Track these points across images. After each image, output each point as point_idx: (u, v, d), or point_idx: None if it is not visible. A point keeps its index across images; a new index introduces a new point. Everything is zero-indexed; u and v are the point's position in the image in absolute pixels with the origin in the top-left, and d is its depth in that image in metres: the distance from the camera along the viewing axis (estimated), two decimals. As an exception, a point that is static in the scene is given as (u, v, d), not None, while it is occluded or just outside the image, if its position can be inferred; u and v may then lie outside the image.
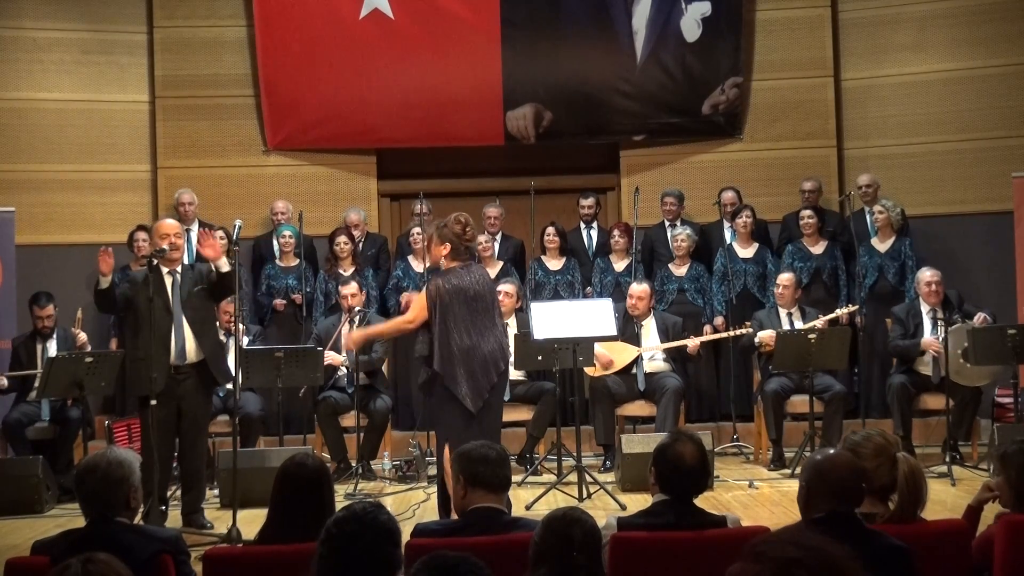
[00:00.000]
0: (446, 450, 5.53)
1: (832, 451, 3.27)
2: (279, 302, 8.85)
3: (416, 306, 5.70)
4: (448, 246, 5.66)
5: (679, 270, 8.89)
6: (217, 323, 6.43)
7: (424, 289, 5.78)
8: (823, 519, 3.05)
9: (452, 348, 5.53)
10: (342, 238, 8.84)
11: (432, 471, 7.43)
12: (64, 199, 9.57)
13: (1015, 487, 3.50)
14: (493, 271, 8.54)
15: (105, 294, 6.02)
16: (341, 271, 8.73)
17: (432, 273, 5.96)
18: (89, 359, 6.86)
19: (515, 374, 7.76)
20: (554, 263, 8.97)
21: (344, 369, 7.89)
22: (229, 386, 6.71)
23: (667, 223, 9.28)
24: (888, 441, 3.33)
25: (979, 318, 7.66)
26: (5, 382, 7.62)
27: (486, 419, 5.56)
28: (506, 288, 7.96)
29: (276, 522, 3.43)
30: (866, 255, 8.73)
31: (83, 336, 7.76)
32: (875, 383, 8.71)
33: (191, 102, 9.81)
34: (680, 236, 8.84)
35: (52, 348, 7.69)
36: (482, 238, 8.71)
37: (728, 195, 9.28)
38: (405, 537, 3.36)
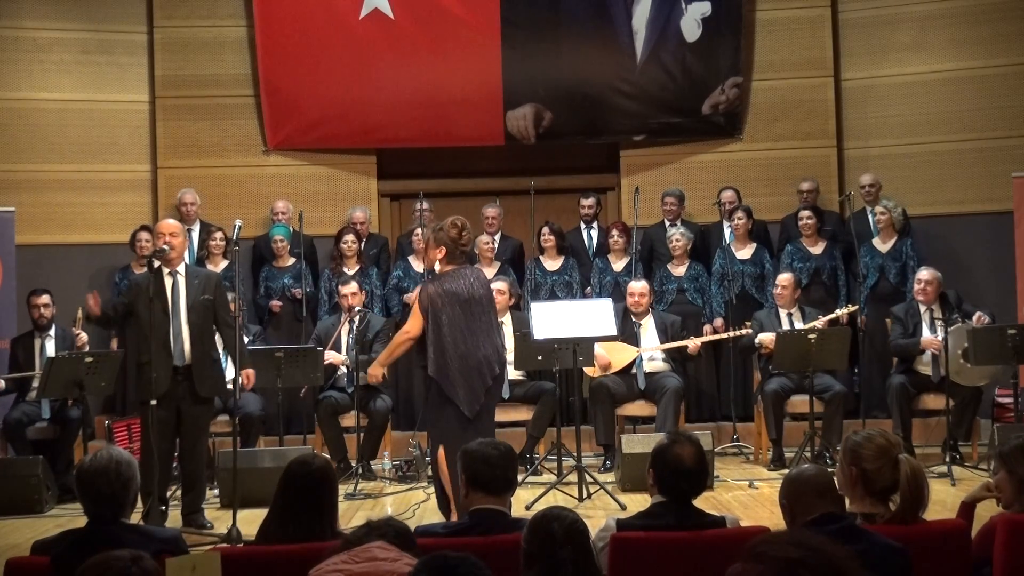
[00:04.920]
0: (441, 453, 5.55)
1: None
2: (275, 303, 8.85)
3: (412, 317, 5.73)
4: (443, 250, 5.68)
5: (678, 270, 8.89)
6: (215, 335, 6.41)
7: (417, 297, 5.79)
8: (817, 520, 3.06)
9: (447, 354, 5.54)
10: (350, 237, 8.86)
11: (431, 471, 7.43)
12: (64, 199, 9.57)
13: (1018, 482, 3.49)
14: (491, 271, 8.55)
15: (99, 321, 6.30)
16: (345, 270, 8.73)
17: (427, 277, 5.96)
18: (89, 359, 6.86)
19: (515, 374, 7.78)
20: (552, 263, 8.97)
21: (344, 369, 7.90)
22: (229, 386, 6.72)
23: (667, 223, 9.28)
24: (890, 442, 3.33)
25: (977, 318, 7.66)
26: (2, 384, 7.61)
27: (482, 423, 5.56)
28: (498, 286, 7.96)
29: (278, 519, 3.43)
30: (868, 255, 8.73)
31: (83, 336, 7.75)
32: (875, 383, 8.71)
33: (191, 102, 9.81)
34: (675, 236, 8.84)
35: (50, 346, 7.69)
36: (483, 238, 8.72)
37: (727, 194, 9.28)
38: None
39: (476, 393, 5.56)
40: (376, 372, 6.12)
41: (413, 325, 5.68)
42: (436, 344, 5.56)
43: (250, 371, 6.46)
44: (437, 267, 5.75)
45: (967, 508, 3.67)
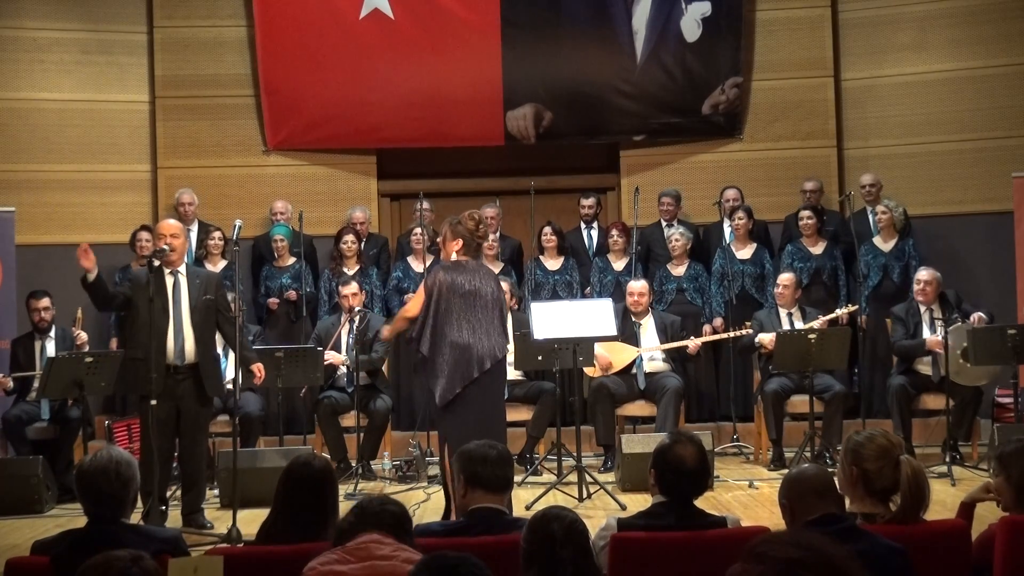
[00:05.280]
0: (446, 449, 5.57)
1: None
2: (272, 301, 8.86)
3: (416, 297, 5.83)
4: (460, 241, 5.77)
5: (677, 270, 8.89)
6: (216, 335, 6.42)
7: (423, 281, 5.84)
8: (817, 520, 3.06)
9: (438, 339, 5.60)
10: (349, 237, 8.85)
11: (432, 471, 7.44)
12: (64, 199, 9.57)
13: (1016, 486, 3.49)
14: (494, 271, 8.54)
15: (94, 286, 5.97)
16: (345, 270, 8.73)
17: (435, 266, 6.01)
18: (89, 359, 6.86)
19: (515, 374, 7.77)
20: (552, 263, 8.97)
21: (344, 369, 7.89)
22: (229, 386, 6.72)
23: (664, 223, 9.29)
24: (891, 443, 3.33)
25: (975, 318, 7.66)
26: (11, 383, 7.60)
27: (456, 413, 5.56)
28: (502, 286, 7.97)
29: (278, 519, 3.44)
30: (870, 255, 8.73)
31: (83, 336, 7.75)
32: (876, 383, 8.71)
33: (191, 102, 9.80)
34: (674, 236, 8.85)
35: (50, 347, 7.68)
36: (490, 238, 8.72)
37: (730, 192, 9.29)
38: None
39: (452, 384, 5.58)
40: (388, 334, 6.76)
41: (415, 305, 5.78)
42: (432, 327, 5.63)
43: (259, 364, 6.45)
44: (454, 258, 5.81)
45: (966, 509, 3.67)
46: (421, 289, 5.81)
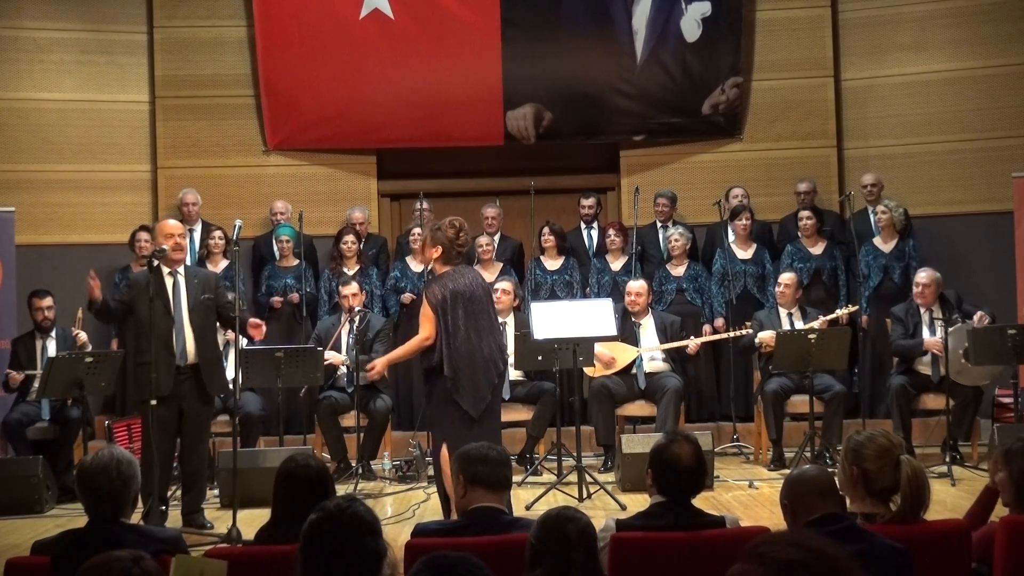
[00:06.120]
0: (443, 451, 5.53)
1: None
2: (276, 299, 8.85)
3: (426, 320, 5.63)
4: (439, 249, 5.65)
5: (677, 270, 8.89)
6: (217, 332, 6.41)
7: (424, 300, 5.72)
8: (818, 520, 3.05)
9: (454, 353, 5.53)
10: (350, 237, 8.85)
11: (431, 471, 7.43)
12: (64, 199, 9.57)
13: (1017, 483, 3.50)
14: (493, 272, 8.55)
15: (100, 310, 6.10)
16: (345, 270, 8.73)
17: (428, 279, 5.92)
18: (89, 359, 6.86)
19: (515, 374, 7.78)
20: (552, 263, 8.97)
21: (344, 369, 7.89)
22: (229, 387, 6.72)
23: (659, 224, 9.29)
24: (892, 443, 3.33)
25: (978, 317, 7.66)
26: (23, 376, 7.58)
27: (487, 422, 5.56)
28: (503, 286, 7.98)
29: (277, 522, 3.44)
30: (871, 255, 8.72)
31: (83, 336, 7.74)
32: (877, 383, 8.70)
33: (191, 102, 9.81)
34: (673, 236, 8.85)
35: (51, 346, 7.69)
36: (483, 240, 8.72)
37: (738, 189, 9.29)
38: (405, 537, 3.37)
39: (482, 393, 5.54)
40: (380, 368, 6.06)
41: (430, 330, 5.59)
42: (447, 344, 5.55)
43: (255, 320, 6.26)
44: (432, 266, 5.75)
45: (990, 493, 3.70)
46: (427, 312, 5.62)
